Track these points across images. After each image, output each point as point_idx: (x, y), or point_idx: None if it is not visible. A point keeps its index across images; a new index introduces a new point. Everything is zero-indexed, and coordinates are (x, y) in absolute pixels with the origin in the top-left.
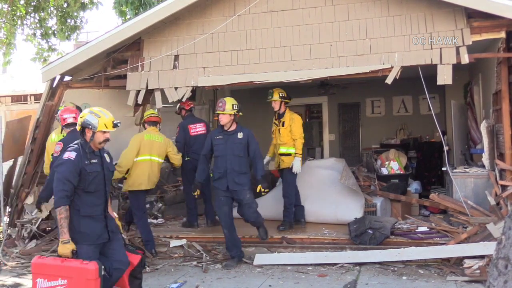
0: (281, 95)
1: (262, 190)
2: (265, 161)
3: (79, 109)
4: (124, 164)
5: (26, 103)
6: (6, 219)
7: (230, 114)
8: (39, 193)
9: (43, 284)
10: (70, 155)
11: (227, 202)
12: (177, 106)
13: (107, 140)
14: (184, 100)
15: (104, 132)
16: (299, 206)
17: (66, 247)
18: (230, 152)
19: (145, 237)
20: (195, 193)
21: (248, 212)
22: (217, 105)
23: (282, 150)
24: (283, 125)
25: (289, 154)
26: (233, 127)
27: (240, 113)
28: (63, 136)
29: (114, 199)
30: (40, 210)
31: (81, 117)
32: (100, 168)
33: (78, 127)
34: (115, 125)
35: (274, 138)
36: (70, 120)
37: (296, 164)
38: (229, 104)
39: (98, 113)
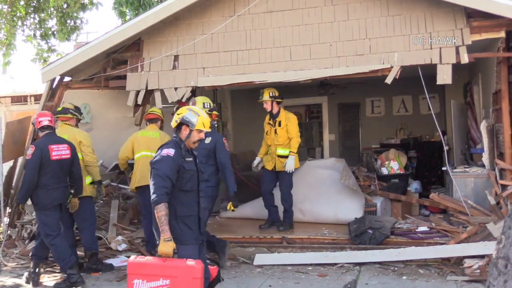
0: (271, 95)
1: (232, 208)
2: (255, 162)
3: (78, 109)
4: (119, 157)
5: (26, 103)
6: (6, 219)
7: None
8: (17, 196)
9: (141, 285)
10: (169, 151)
11: None
12: (175, 107)
13: (200, 140)
14: (183, 100)
15: (200, 131)
16: (275, 207)
17: (168, 245)
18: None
19: (146, 237)
20: None
21: None
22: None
23: (280, 152)
24: (279, 125)
25: (288, 156)
26: None
27: (215, 112)
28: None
29: (114, 199)
30: (24, 211)
31: (179, 114)
32: (195, 167)
33: (174, 124)
34: (212, 126)
35: (268, 139)
36: (46, 123)
37: (290, 163)
38: (199, 103)
39: (198, 112)
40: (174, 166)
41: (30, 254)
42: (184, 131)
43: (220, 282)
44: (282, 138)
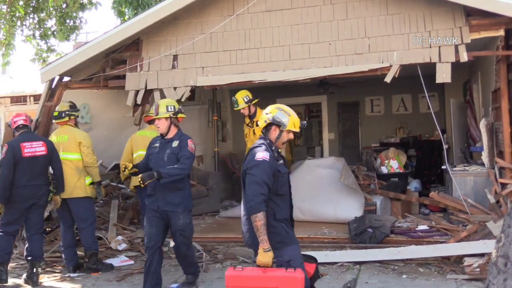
0: (246, 100)
1: (140, 181)
2: None
3: (74, 107)
4: (122, 161)
5: (26, 104)
6: None
7: (166, 118)
8: None
9: None
10: (265, 155)
11: (157, 224)
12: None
13: (288, 141)
14: (183, 100)
15: (290, 132)
16: None
17: (268, 255)
18: (162, 163)
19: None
20: (123, 167)
21: (178, 240)
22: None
23: None
24: (257, 125)
25: None
26: (171, 134)
27: (181, 115)
28: (62, 137)
29: (114, 199)
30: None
31: (268, 113)
32: (287, 169)
33: (263, 124)
34: (302, 125)
35: (248, 141)
36: (21, 122)
37: None
38: (163, 107)
39: (288, 111)
40: (270, 171)
41: (24, 256)
42: (274, 132)
43: (320, 278)
44: None
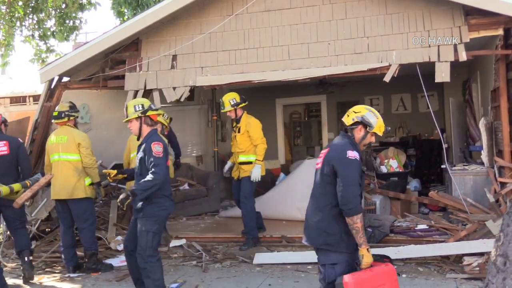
0: (233, 103)
1: (118, 202)
2: (227, 167)
3: (74, 107)
4: (124, 163)
5: (25, 104)
6: None
7: (136, 119)
8: None
9: None
10: (355, 154)
11: (133, 229)
12: None
13: (369, 144)
14: (182, 100)
15: (373, 134)
16: (257, 213)
17: (371, 254)
18: (137, 168)
19: None
20: (108, 175)
21: (137, 248)
22: None
23: (242, 158)
24: (239, 131)
25: (250, 163)
26: (143, 134)
27: (152, 113)
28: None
29: (113, 199)
30: None
31: (356, 112)
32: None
33: (349, 122)
34: (386, 131)
35: (232, 146)
36: None
37: (256, 172)
38: (131, 107)
39: (376, 114)
40: (360, 171)
41: (15, 253)
42: (359, 131)
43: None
44: (242, 144)
